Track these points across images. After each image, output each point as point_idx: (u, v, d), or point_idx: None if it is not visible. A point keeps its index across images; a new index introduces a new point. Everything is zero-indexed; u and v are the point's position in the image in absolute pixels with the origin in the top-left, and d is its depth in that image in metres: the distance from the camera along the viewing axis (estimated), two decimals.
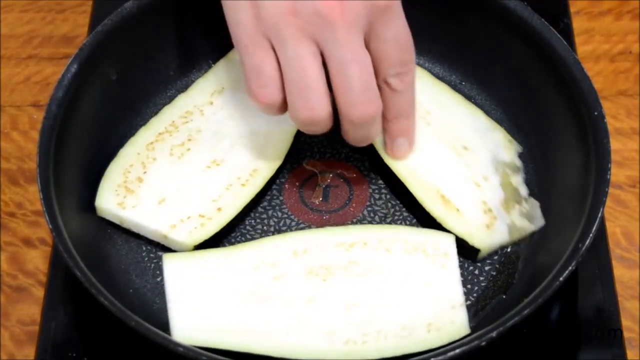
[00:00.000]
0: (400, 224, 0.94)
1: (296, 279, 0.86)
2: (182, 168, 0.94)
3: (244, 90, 0.92)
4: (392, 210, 0.95)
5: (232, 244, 0.92)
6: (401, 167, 0.93)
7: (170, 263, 0.88)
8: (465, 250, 0.90)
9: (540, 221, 0.92)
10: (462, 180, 0.93)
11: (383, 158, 0.94)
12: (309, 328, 0.84)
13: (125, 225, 0.92)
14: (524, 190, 0.94)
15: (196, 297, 0.86)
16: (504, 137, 0.97)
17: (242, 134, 0.96)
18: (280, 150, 0.95)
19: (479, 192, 0.93)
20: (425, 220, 0.93)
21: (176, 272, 0.87)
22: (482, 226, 0.91)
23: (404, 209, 0.95)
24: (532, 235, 0.92)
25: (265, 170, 0.94)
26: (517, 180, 0.94)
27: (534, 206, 0.93)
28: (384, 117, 0.89)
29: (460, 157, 0.95)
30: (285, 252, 0.88)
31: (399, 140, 0.92)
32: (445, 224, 0.90)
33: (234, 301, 0.86)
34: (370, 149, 0.95)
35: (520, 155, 0.96)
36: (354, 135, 0.88)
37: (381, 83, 0.86)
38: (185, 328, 0.84)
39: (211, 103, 0.98)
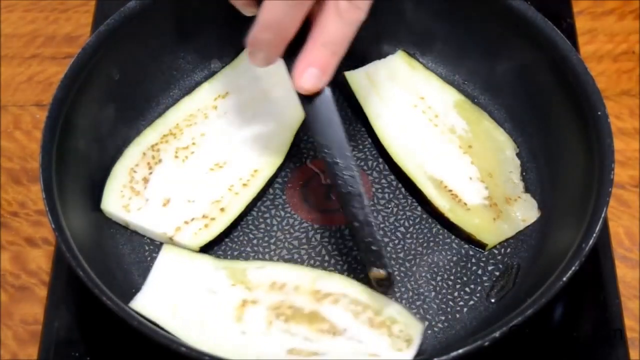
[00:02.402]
0: (404, 223, 0.94)
1: (260, 310, 0.87)
2: (187, 170, 0.94)
3: (248, 95, 0.97)
4: (394, 209, 0.95)
5: (235, 243, 0.92)
6: (409, 164, 0.95)
7: (166, 253, 0.89)
8: (473, 243, 0.92)
9: (536, 213, 0.93)
10: (469, 177, 0.95)
11: (392, 155, 0.95)
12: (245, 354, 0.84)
13: (131, 228, 0.92)
14: (522, 186, 0.95)
15: (172, 285, 0.87)
16: (505, 137, 0.98)
17: (244, 137, 0.96)
18: (281, 150, 0.96)
19: (485, 188, 0.94)
20: (428, 218, 0.93)
21: (168, 262, 0.89)
22: (490, 220, 0.92)
23: (407, 208, 0.95)
24: (535, 235, 0.92)
25: (265, 170, 0.95)
26: (517, 177, 0.96)
27: (531, 200, 0.94)
28: (310, 37, 0.81)
29: (467, 155, 0.96)
30: (265, 280, 0.88)
31: (312, 71, 0.82)
32: (454, 218, 0.92)
33: (201, 304, 0.86)
34: (378, 146, 0.97)
35: (517, 154, 0.97)
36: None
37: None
38: (147, 301, 0.86)
39: (215, 107, 0.98)
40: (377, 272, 0.85)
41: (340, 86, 1.01)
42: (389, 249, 0.92)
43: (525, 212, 0.93)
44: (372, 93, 1.00)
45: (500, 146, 0.97)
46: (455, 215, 0.92)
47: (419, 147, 0.96)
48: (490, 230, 0.92)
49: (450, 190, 0.94)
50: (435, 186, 0.94)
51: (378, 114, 0.98)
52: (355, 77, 1.01)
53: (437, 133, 0.97)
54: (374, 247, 0.85)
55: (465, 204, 0.93)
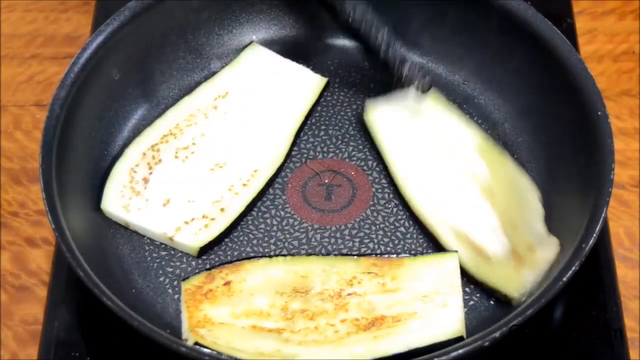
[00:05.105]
0: (404, 223, 0.93)
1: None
2: (187, 170, 0.94)
3: (248, 95, 0.97)
4: (394, 209, 0.94)
5: (235, 243, 0.92)
6: (427, 211, 0.92)
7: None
8: (497, 296, 0.88)
9: (557, 248, 0.88)
10: (491, 229, 0.91)
11: (407, 199, 0.93)
12: None
13: (131, 228, 0.92)
14: (545, 231, 0.90)
15: None
16: (528, 182, 0.93)
17: (244, 137, 0.97)
18: (281, 150, 0.96)
19: (508, 241, 0.90)
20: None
21: None
22: (513, 270, 0.88)
23: (407, 208, 0.95)
24: None
25: (266, 170, 0.95)
26: (540, 224, 0.91)
27: (553, 240, 0.89)
28: None
29: (489, 204, 0.92)
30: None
31: None
32: (476, 273, 0.88)
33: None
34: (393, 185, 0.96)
35: (541, 200, 0.93)
36: None
37: None
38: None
39: (215, 107, 0.98)
40: (420, 82, 0.95)
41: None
42: (388, 249, 0.92)
43: (547, 252, 0.88)
44: (390, 129, 0.96)
45: (523, 193, 0.92)
46: (477, 269, 0.88)
47: (438, 192, 0.92)
48: (515, 280, 0.87)
49: (473, 243, 0.90)
50: (456, 237, 0.90)
51: (394, 151, 0.95)
52: (374, 113, 0.97)
53: (458, 177, 0.94)
54: (407, 62, 0.95)
55: (489, 257, 0.89)
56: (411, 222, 0.94)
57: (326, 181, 0.96)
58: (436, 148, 0.96)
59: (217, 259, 0.91)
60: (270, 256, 0.89)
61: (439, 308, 0.85)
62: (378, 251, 0.92)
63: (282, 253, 0.92)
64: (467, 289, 0.89)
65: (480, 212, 0.92)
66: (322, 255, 0.91)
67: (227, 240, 0.93)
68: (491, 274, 0.88)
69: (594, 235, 0.83)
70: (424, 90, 0.95)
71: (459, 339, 0.83)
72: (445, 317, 0.85)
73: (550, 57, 0.94)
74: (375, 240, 0.93)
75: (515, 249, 0.89)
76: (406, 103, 0.97)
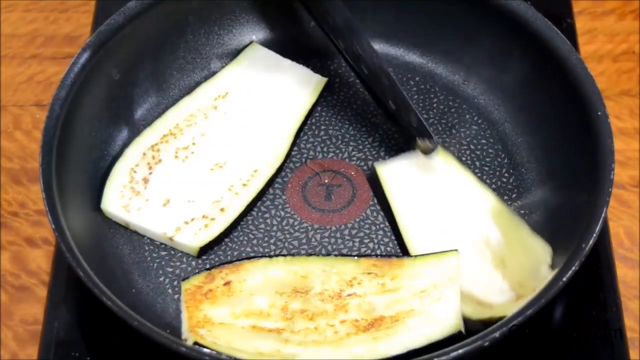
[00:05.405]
0: None
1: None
2: (187, 170, 0.95)
3: (247, 95, 0.97)
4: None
5: (235, 243, 0.92)
6: None
7: None
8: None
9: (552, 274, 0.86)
10: (499, 289, 0.88)
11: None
12: None
13: (131, 228, 0.92)
14: (550, 272, 0.87)
15: None
16: (542, 246, 0.90)
17: (244, 137, 0.97)
18: (281, 150, 0.96)
19: (515, 292, 0.88)
20: None
21: None
22: (512, 304, 0.86)
23: None
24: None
25: (265, 170, 0.95)
26: (546, 270, 0.88)
27: (553, 273, 0.85)
28: None
29: (499, 271, 0.89)
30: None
31: None
32: (476, 318, 0.86)
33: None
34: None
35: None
36: None
37: None
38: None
39: (215, 107, 0.98)
40: (425, 144, 0.93)
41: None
42: (388, 249, 0.92)
43: (546, 281, 0.84)
44: (401, 188, 0.94)
45: (536, 257, 0.88)
46: (477, 314, 0.86)
47: None
48: (514, 309, 0.83)
49: (477, 299, 0.87)
50: (464, 298, 0.87)
51: (406, 212, 0.92)
52: (385, 170, 0.95)
53: (469, 242, 0.91)
54: (414, 122, 0.92)
55: (491, 306, 0.87)
56: None
57: (326, 181, 0.97)
58: (448, 211, 0.93)
59: (217, 259, 0.91)
60: (270, 256, 0.89)
61: (435, 302, 0.85)
62: (378, 251, 0.92)
63: (282, 253, 0.92)
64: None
65: (489, 277, 0.89)
66: (322, 255, 0.91)
67: (227, 240, 0.93)
68: (491, 313, 0.86)
69: (594, 235, 0.83)
70: (429, 151, 0.93)
71: (458, 335, 0.83)
72: (442, 312, 0.85)
73: (550, 57, 0.94)
74: (375, 240, 0.93)
75: (519, 294, 0.87)
76: (417, 161, 0.95)
